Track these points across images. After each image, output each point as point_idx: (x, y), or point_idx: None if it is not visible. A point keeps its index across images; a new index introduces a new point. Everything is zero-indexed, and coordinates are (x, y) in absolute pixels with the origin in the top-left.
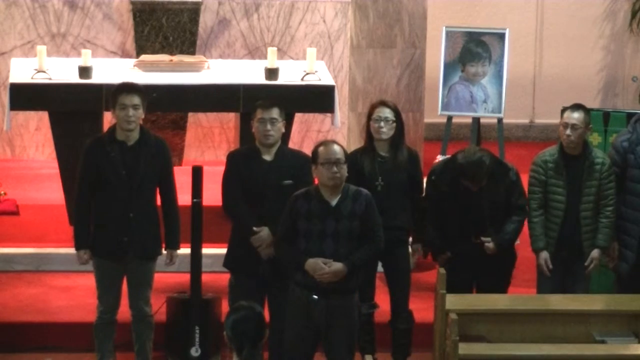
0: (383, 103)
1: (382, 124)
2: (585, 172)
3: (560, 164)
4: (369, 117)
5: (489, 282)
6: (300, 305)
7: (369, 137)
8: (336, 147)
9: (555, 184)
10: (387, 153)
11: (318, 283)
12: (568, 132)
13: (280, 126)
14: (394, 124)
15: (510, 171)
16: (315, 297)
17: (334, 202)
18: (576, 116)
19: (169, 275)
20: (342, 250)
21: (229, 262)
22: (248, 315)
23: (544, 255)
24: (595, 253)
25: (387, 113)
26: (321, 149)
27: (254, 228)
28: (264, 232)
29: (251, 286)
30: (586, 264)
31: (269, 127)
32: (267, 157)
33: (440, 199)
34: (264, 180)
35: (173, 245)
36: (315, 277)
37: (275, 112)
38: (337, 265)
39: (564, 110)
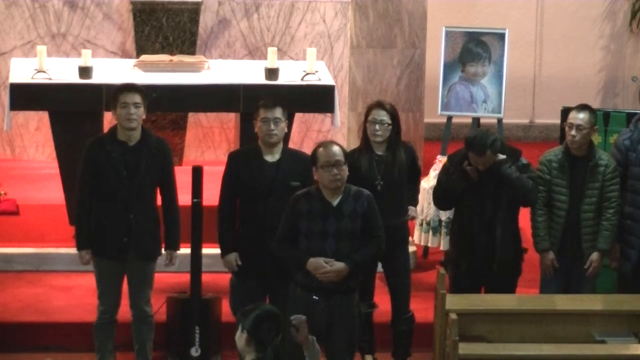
0: (379, 105)
1: (377, 126)
2: (589, 174)
3: (564, 164)
4: (366, 118)
5: (497, 284)
6: (300, 305)
7: (365, 137)
8: (335, 149)
9: (559, 183)
10: (384, 152)
11: (319, 283)
12: (573, 132)
13: (284, 126)
14: (390, 127)
15: (522, 156)
16: (316, 297)
17: (335, 202)
18: (581, 117)
19: (169, 275)
20: (344, 250)
21: None
22: (268, 313)
23: (551, 255)
24: (594, 256)
25: (382, 115)
26: (320, 151)
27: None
28: (231, 256)
29: (252, 286)
30: (585, 266)
31: (272, 126)
32: (270, 158)
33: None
34: (271, 180)
35: (173, 246)
36: (317, 277)
37: (278, 112)
38: (339, 265)
39: (564, 110)
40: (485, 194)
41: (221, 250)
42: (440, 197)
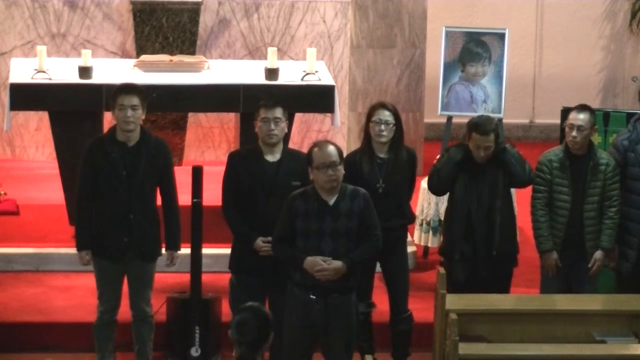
0: (383, 105)
1: (382, 127)
2: (590, 173)
3: (565, 164)
4: (368, 118)
5: (494, 275)
6: (298, 305)
7: (367, 139)
8: (330, 149)
9: (560, 183)
10: (386, 154)
11: (316, 282)
12: (574, 133)
13: (284, 126)
14: (394, 127)
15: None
16: (313, 296)
17: (331, 201)
18: (582, 117)
19: (169, 275)
20: (341, 249)
21: (231, 262)
22: (250, 318)
23: (554, 255)
24: (598, 254)
25: (387, 116)
26: (316, 151)
27: (261, 238)
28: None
29: (252, 286)
30: (589, 265)
31: (272, 126)
32: (270, 158)
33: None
34: (272, 180)
35: (173, 246)
36: (314, 275)
37: (278, 112)
38: (336, 263)
39: (564, 110)
40: (482, 183)
41: (249, 244)
42: (436, 175)
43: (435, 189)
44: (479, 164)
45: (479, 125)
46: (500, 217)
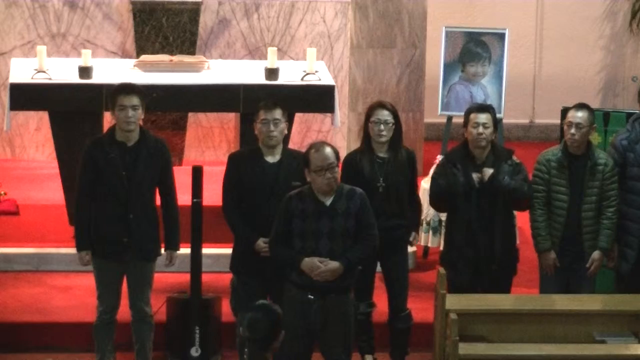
0: (381, 105)
1: (382, 126)
2: (588, 173)
3: (563, 163)
4: (367, 118)
5: (494, 284)
6: (295, 305)
7: (367, 138)
8: (327, 152)
9: (558, 183)
10: (386, 154)
11: (313, 282)
12: (572, 131)
13: (284, 127)
14: (393, 126)
15: (514, 155)
16: (311, 296)
17: (328, 201)
18: (580, 115)
19: (169, 275)
20: (338, 249)
21: (232, 263)
22: (261, 316)
23: (552, 255)
24: (596, 254)
25: (386, 115)
26: (312, 153)
27: (262, 239)
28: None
29: (253, 286)
30: (587, 265)
31: (272, 127)
32: (271, 159)
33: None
34: (273, 181)
35: (173, 246)
36: (312, 277)
37: (278, 113)
38: (334, 264)
39: (564, 110)
40: (482, 196)
41: (250, 245)
42: (439, 199)
43: (436, 208)
44: (478, 166)
45: (476, 106)
46: (500, 231)
